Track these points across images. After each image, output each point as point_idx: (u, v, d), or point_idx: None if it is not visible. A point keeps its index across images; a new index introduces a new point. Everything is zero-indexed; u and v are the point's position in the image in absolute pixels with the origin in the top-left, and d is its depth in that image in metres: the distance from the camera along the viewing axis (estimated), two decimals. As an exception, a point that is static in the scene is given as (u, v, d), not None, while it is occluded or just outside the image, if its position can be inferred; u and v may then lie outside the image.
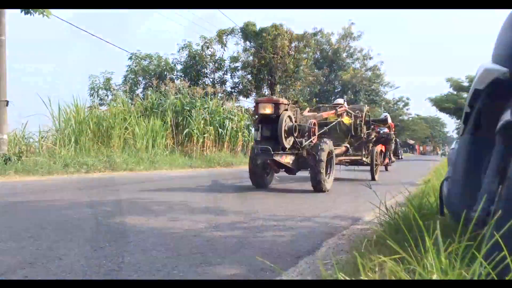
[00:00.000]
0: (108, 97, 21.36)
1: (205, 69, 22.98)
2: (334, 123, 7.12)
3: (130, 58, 23.17)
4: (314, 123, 5.71)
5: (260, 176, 5.59)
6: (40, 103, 10.21)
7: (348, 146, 7.28)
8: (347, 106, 7.91)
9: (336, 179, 5.96)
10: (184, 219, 3.11)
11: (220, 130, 13.66)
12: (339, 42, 29.10)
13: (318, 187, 5.15)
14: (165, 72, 22.94)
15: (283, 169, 5.64)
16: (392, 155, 11.52)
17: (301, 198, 4.67)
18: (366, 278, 1.24)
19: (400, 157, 31.76)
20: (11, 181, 6.31)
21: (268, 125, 5.08)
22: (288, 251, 2.17)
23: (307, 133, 5.52)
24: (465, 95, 32.95)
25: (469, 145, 1.49)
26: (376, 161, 7.92)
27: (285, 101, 5.25)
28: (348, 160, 7.61)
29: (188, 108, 13.25)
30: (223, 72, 23.44)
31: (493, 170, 1.27)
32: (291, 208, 3.81)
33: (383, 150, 10.47)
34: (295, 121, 5.37)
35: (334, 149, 6.33)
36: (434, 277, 1.13)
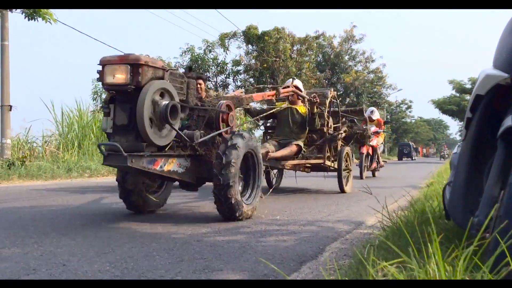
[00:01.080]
0: (111, 101, 21.47)
1: (208, 73, 23.06)
2: (275, 110, 5.40)
3: (133, 62, 23.26)
4: (228, 105, 3.53)
5: (132, 195, 3.39)
6: (43, 108, 10.31)
7: (301, 144, 5.29)
8: (303, 90, 5.60)
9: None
10: (187, 224, 3.12)
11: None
12: (341, 45, 29.11)
13: (226, 212, 3.11)
14: (168, 76, 23.01)
15: (176, 182, 3.51)
16: (379, 158, 9.90)
17: (304, 202, 4.67)
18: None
19: (413, 158, 33.66)
20: (14, 185, 6.33)
21: (125, 104, 2.77)
22: (291, 256, 2.17)
23: (215, 123, 3.44)
24: (467, 97, 32.93)
25: (471, 150, 1.49)
26: (347, 166, 5.83)
27: (157, 63, 2.84)
28: (309, 166, 5.65)
29: (190, 112, 13.27)
30: (225, 75, 23.53)
31: (495, 176, 1.27)
32: (293, 212, 3.81)
33: (370, 152, 9.26)
34: (184, 100, 3.15)
35: (277, 149, 5.06)
36: (437, 283, 1.13)
